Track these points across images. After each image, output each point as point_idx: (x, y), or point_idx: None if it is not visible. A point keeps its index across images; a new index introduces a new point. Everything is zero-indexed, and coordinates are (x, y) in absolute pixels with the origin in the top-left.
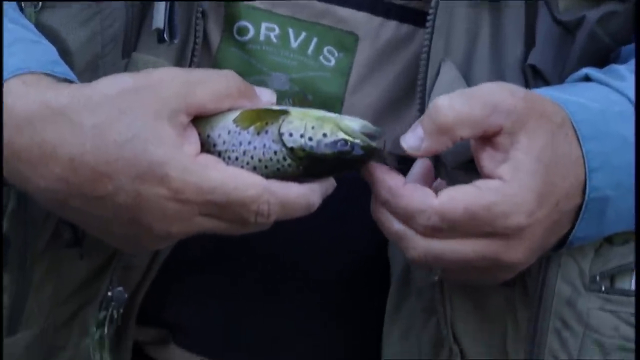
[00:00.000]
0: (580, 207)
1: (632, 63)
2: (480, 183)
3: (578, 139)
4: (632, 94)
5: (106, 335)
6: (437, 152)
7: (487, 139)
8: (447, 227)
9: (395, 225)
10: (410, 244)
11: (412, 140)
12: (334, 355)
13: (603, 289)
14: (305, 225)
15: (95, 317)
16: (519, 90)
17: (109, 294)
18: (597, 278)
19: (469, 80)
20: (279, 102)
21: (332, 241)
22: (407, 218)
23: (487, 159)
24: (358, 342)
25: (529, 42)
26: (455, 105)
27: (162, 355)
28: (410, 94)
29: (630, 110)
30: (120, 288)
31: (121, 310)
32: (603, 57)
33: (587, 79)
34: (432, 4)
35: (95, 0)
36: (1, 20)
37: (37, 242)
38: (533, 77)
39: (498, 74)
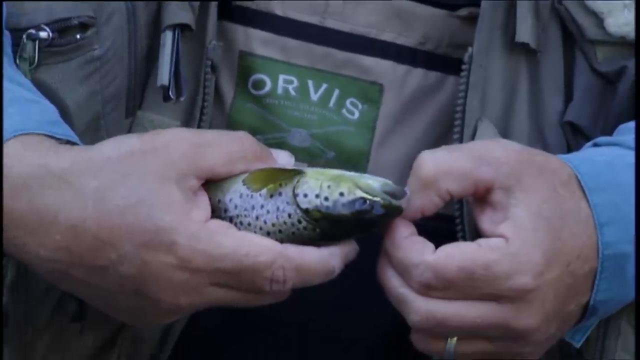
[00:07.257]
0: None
1: None
2: (482, 241)
3: (587, 197)
4: None
5: None
6: (426, 211)
7: (484, 199)
8: (442, 286)
9: (397, 288)
10: (411, 307)
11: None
12: None
13: None
14: (333, 287)
15: None
16: (514, 144)
17: None
18: None
19: (507, 138)
20: (300, 159)
21: (361, 301)
22: (403, 272)
23: (487, 221)
24: None
25: (569, 95)
26: (438, 157)
27: None
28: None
29: None
30: None
31: None
32: None
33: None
34: (466, 58)
35: None
36: (1, 21)
37: (38, 316)
38: (572, 134)
39: (538, 131)
